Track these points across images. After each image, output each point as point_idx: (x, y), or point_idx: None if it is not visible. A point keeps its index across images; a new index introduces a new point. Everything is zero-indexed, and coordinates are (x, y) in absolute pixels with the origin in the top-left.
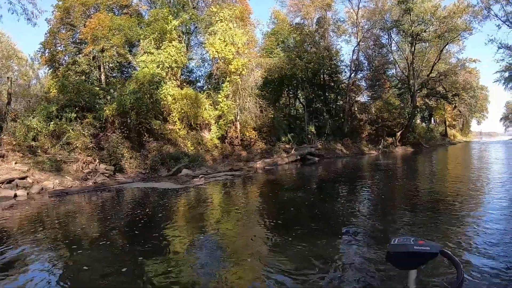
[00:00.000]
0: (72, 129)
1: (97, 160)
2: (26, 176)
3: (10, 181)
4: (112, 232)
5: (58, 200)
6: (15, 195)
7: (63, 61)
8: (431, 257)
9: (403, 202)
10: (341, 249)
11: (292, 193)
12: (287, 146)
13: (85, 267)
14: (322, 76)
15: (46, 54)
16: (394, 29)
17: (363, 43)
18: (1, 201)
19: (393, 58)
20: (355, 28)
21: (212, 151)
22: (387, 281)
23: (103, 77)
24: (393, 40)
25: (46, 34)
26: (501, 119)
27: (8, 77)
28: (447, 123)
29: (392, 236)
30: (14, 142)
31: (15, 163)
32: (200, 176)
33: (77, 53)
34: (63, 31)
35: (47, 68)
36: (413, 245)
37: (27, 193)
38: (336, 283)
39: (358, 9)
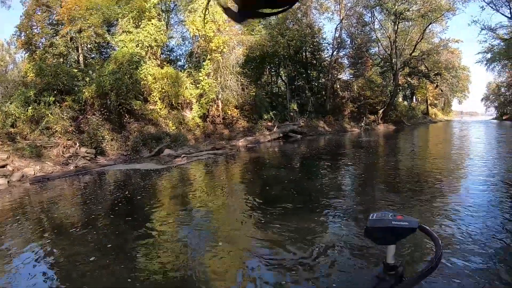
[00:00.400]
0: (51, 113)
1: (78, 144)
2: (6, 164)
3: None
4: (95, 217)
5: (39, 187)
6: None
7: (40, 44)
8: (410, 232)
9: (384, 179)
10: (320, 227)
11: (275, 170)
12: (269, 124)
13: (70, 255)
14: (304, 53)
15: (22, 38)
16: (377, 7)
17: (346, 21)
18: None
19: (376, 36)
20: (338, 6)
21: (194, 130)
22: (364, 260)
23: (81, 58)
24: (376, 18)
25: (21, 16)
26: (482, 99)
27: None
28: (428, 102)
29: (371, 212)
30: None
31: None
32: (182, 156)
33: (54, 35)
34: (39, 13)
35: (24, 52)
36: (391, 220)
37: (8, 182)
38: (313, 263)
39: None
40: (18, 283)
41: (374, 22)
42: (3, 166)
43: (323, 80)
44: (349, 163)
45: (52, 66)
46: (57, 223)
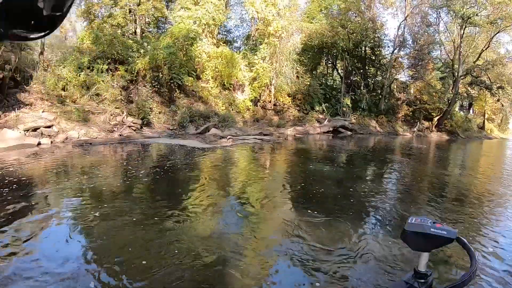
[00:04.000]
0: (103, 81)
1: (125, 113)
2: (52, 125)
3: (35, 129)
4: (133, 186)
5: (82, 150)
6: (39, 143)
7: (99, 14)
8: (446, 242)
9: (430, 189)
10: (357, 231)
11: (320, 166)
12: (320, 116)
13: (102, 220)
14: (363, 48)
15: (82, 7)
16: (444, 8)
17: (410, 19)
18: (25, 148)
19: (440, 39)
20: (404, 2)
21: (244, 113)
22: (397, 267)
23: (138, 30)
24: (442, 20)
25: None
26: None
27: None
28: (486, 115)
29: (410, 215)
30: (43, 91)
31: (43, 111)
32: (228, 137)
33: (113, 5)
34: None
35: (83, 21)
36: (430, 227)
37: (51, 142)
38: (344, 264)
39: None
40: (47, 240)
41: (439, 24)
42: (49, 127)
43: (380, 78)
44: (396, 168)
45: (108, 35)
46: (94, 187)
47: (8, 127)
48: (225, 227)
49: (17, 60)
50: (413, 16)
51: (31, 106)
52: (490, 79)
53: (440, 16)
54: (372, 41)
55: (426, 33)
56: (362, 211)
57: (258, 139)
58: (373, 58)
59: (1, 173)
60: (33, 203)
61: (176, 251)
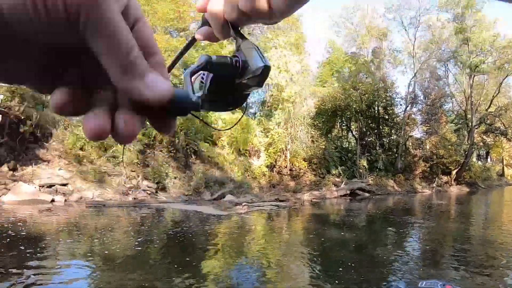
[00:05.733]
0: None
1: (141, 176)
2: (68, 183)
3: (50, 185)
4: (148, 251)
5: (95, 211)
6: (53, 200)
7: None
8: None
9: (453, 250)
10: None
11: (339, 232)
12: (337, 179)
13: (110, 282)
14: (376, 108)
15: None
16: (451, 60)
17: (419, 75)
18: (38, 203)
19: (450, 91)
20: (412, 59)
21: (260, 179)
22: None
23: None
24: (450, 72)
25: None
26: None
27: None
28: (504, 162)
29: (421, 280)
30: (61, 149)
31: (59, 169)
32: (243, 204)
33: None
34: None
35: None
36: None
37: (65, 200)
38: None
39: (415, 39)
40: None
41: (448, 76)
42: (64, 185)
43: (395, 136)
44: (417, 228)
45: None
46: (105, 249)
47: (24, 181)
48: None
49: (38, 116)
50: (422, 71)
51: (48, 162)
52: (504, 125)
53: (448, 69)
54: (384, 100)
55: (436, 87)
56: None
57: (274, 205)
58: (387, 117)
59: (13, 228)
60: (41, 265)
61: None
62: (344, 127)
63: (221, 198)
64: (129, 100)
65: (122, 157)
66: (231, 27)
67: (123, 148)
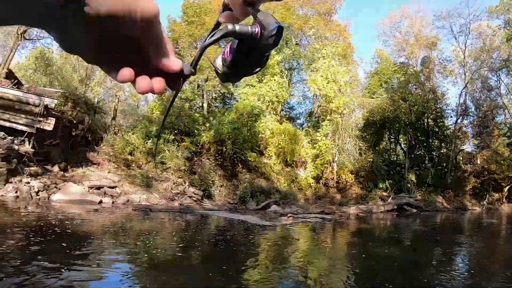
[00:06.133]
0: (168, 150)
1: (187, 183)
2: (116, 186)
3: (99, 187)
4: (189, 257)
5: (141, 215)
6: (100, 201)
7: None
8: None
9: (504, 274)
10: None
11: (384, 248)
12: (384, 193)
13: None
14: (426, 120)
15: None
16: (503, 69)
17: (470, 86)
18: (86, 204)
19: (503, 102)
20: (462, 69)
21: (305, 191)
22: None
23: (205, 105)
24: (502, 81)
25: None
26: None
27: (116, 95)
28: None
29: None
30: (111, 153)
31: (108, 172)
32: (288, 215)
33: None
34: None
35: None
36: None
37: (112, 202)
38: None
39: (465, 48)
40: None
41: (500, 86)
42: (113, 187)
43: (445, 150)
44: (466, 249)
45: (176, 108)
46: (148, 252)
47: (74, 181)
48: None
49: (90, 121)
50: (473, 81)
51: (98, 165)
52: None
53: (500, 78)
54: (434, 112)
55: (488, 98)
56: None
57: (320, 218)
58: (436, 129)
59: (60, 225)
60: (83, 263)
61: None
62: (393, 139)
63: (266, 208)
64: (157, 70)
65: (154, 151)
66: (250, 6)
67: (155, 145)
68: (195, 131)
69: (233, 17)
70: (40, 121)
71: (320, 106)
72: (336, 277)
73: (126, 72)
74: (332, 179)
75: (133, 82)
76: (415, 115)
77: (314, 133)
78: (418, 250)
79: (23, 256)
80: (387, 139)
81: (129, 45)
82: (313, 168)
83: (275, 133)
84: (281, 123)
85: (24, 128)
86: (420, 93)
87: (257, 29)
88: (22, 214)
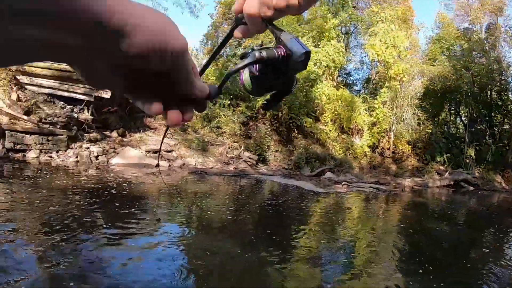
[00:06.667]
0: (224, 115)
1: (242, 148)
2: (172, 150)
3: (155, 151)
4: (241, 220)
5: (197, 178)
6: (157, 165)
7: (224, 53)
8: None
9: None
10: None
11: (437, 224)
12: (441, 167)
13: (202, 246)
14: (489, 92)
15: (209, 45)
16: None
17: None
18: (143, 167)
19: None
20: None
21: (361, 159)
22: None
23: None
24: None
25: (209, 27)
26: None
27: None
28: None
29: None
30: None
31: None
32: (343, 183)
33: (237, 45)
34: (225, 25)
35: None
36: None
37: (169, 165)
38: None
39: None
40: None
41: None
42: (169, 151)
43: (508, 126)
44: None
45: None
46: (200, 214)
47: (131, 146)
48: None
49: None
50: None
51: (155, 130)
52: None
53: None
54: (498, 84)
55: None
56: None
57: (374, 188)
58: (500, 103)
59: (117, 187)
60: (140, 223)
61: None
62: (453, 111)
63: (320, 175)
64: (185, 99)
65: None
66: (267, 22)
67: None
68: (251, 96)
69: (248, 31)
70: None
71: (378, 72)
72: (384, 251)
73: (156, 107)
74: (388, 149)
75: (164, 113)
76: (478, 86)
77: (372, 101)
78: (472, 230)
79: (80, 215)
80: (447, 110)
81: (157, 79)
82: (369, 137)
83: (332, 99)
84: (337, 89)
85: (82, 97)
86: (485, 62)
87: (282, 52)
88: (82, 177)
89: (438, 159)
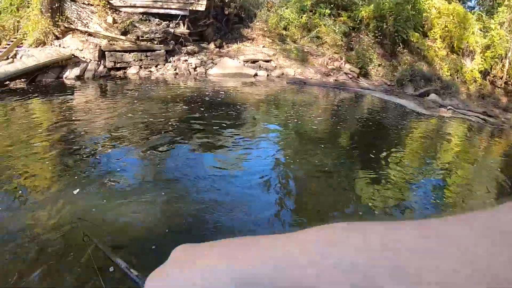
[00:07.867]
0: (324, 25)
1: (344, 59)
2: (270, 60)
3: (254, 61)
4: (335, 133)
5: (295, 88)
6: (256, 75)
7: None
8: None
9: None
10: None
11: None
12: None
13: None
14: None
15: None
16: None
17: None
18: (241, 77)
19: None
20: None
21: (469, 85)
22: None
23: None
24: None
25: None
26: None
27: None
28: None
29: None
30: (265, 29)
31: (263, 46)
32: (448, 107)
33: None
34: None
35: None
36: None
37: (267, 75)
38: None
39: None
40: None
41: None
42: (267, 61)
43: None
44: None
45: None
46: (295, 123)
47: (229, 56)
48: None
49: None
50: None
51: (252, 41)
52: None
53: None
54: None
55: None
56: None
57: (481, 118)
58: None
59: (214, 95)
60: (238, 128)
61: None
62: None
63: (424, 96)
64: None
65: None
66: None
67: None
68: (353, 5)
69: None
70: (192, 3)
71: None
72: (478, 186)
73: None
74: (501, 78)
75: None
76: None
77: (487, 20)
78: None
79: (178, 121)
80: None
81: None
82: (481, 61)
83: (442, 13)
84: (449, 3)
85: (177, 12)
86: None
87: None
88: (181, 88)
89: None
